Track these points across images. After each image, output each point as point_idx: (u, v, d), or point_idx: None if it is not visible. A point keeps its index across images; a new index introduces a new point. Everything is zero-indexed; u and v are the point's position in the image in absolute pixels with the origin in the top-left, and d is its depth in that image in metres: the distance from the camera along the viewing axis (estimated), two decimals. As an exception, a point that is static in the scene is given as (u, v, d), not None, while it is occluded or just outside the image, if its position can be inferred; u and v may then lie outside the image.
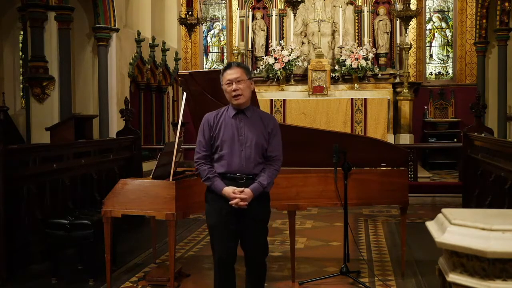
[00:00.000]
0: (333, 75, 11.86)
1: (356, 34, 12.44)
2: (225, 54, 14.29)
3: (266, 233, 3.46)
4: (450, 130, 12.61)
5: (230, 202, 3.20)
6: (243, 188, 3.21)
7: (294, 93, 11.89)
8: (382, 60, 12.29)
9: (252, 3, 13.01)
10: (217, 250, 3.33)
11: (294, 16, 12.31)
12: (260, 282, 3.48)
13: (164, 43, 12.55)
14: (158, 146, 9.78)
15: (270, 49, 12.36)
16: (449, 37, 13.48)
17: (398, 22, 11.85)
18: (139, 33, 11.25)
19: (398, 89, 12.01)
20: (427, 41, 13.48)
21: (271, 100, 11.08)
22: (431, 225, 2.08)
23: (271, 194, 3.47)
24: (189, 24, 11.84)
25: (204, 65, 14.35)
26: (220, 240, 3.31)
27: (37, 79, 8.73)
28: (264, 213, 3.40)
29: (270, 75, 12.08)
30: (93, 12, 9.93)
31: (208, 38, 14.53)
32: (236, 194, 3.19)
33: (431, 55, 13.57)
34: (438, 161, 11.90)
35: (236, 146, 3.26)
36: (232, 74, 3.27)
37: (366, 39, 12.06)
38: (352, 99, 10.77)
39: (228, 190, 3.21)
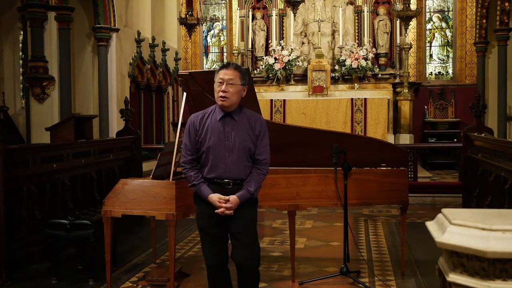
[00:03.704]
0: (333, 75, 11.86)
1: (356, 34, 12.44)
2: (225, 54, 14.29)
3: (256, 238, 3.34)
4: (450, 130, 12.61)
5: (216, 211, 3.14)
6: (228, 197, 3.15)
7: (294, 93, 11.89)
8: (382, 60, 12.29)
9: (252, 3, 13.01)
10: (207, 253, 3.30)
11: (294, 16, 12.31)
12: None
13: (164, 43, 12.56)
14: (158, 146, 9.78)
15: (270, 49, 12.36)
16: (449, 37, 13.48)
17: (398, 22, 11.85)
18: (139, 33, 11.25)
19: (398, 89, 12.01)
20: (427, 41, 13.48)
21: (271, 100, 11.08)
22: (431, 225, 2.07)
23: (272, 194, 3.47)
24: (189, 24, 11.84)
25: (204, 65, 14.35)
26: (210, 243, 3.27)
27: (37, 79, 8.73)
28: (251, 218, 3.30)
29: (270, 75, 12.08)
30: (93, 12, 9.93)
31: (208, 38, 14.53)
32: (222, 203, 3.14)
33: (431, 55, 13.57)
34: (438, 161, 11.90)
35: (222, 151, 3.17)
36: (226, 74, 3.18)
37: (366, 39, 12.06)
38: (352, 99, 10.77)
39: (214, 198, 3.16)
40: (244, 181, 3.21)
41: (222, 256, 3.29)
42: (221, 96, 3.17)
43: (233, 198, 3.15)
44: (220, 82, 3.19)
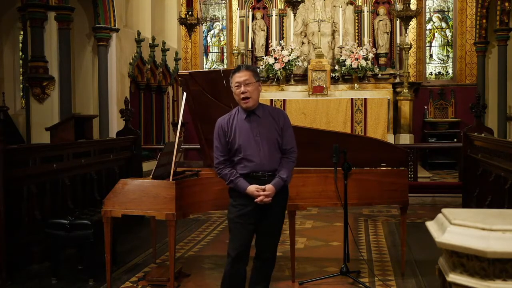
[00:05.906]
0: (333, 75, 11.85)
1: (356, 34, 12.44)
2: (225, 54, 14.29)
3: (283, 222, 3.61)
4: (450, 130, 12.60)
5: (255, 200, 3.34)
6: (265, 186, 3.35)
7: (294, 93, 11.88)
8: (382, 60, 12.29)
9: (252, 3, 13.01)
10: (234, 244, 3.40)
11: (294, 16, 12.30)
12: (268, 273, 3.61)
13: (164, 43, 12.55)
14: (158, 146, 9.78)
15: (270, 49, 12.35)
16: (449, 37, 13.48)
17: (398, 22, 11.85)
18: (139, 33, 11.25)
19: (398, 89, 12.01)
20: (427, 41, 13.48)
21: (271, 100, 11.06)
22: (431, 225, 2.07)
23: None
24: (189, 24, 11.84)
25: (204, 65, 14.35)
26: (240, 234, 3.40)
27: (37, 79, 8.73)
28: (283, 201, 3.55)
29: (270, 75, 12.07)
30: (93, 12, 9.93)
31: (208, 38, 14.53)
32: (260, 192, 3.34)
33: (431, 55, 13.57)
34: (438, 161, 11.90)
35: (254, 147, 3.38)
36: (241, 76, 3.38)
37: (366, 39, 12.06)
38: (352, 99, 10.76)
39: (251, 189, 3.36)
40: (276, 170, 3.43)
41: (247, 249, 3.43)
42: (243, 98, 3.37)
43: (269, 187, 3.37)
44: (237, 86, 3.39)
